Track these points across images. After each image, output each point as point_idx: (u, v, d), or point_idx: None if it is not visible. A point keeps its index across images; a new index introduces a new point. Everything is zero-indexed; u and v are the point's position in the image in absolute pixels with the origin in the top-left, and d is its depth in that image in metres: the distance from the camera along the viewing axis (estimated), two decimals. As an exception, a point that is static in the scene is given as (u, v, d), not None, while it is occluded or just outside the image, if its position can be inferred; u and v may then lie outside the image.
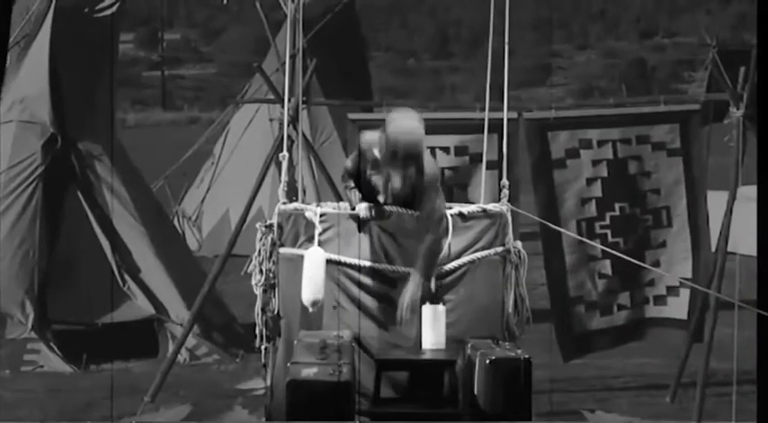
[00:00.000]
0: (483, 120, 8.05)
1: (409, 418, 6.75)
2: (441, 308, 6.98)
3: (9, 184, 13.34)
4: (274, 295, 7.18)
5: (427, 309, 6.96)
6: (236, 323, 13.67)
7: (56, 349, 12.76)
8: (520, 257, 7.32)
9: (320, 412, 6.16)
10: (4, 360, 12.61)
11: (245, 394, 11.54)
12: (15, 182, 13.35)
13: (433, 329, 6.94)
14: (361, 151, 7.15)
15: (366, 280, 7.11)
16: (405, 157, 6.93)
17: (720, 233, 10.76)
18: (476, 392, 6.60)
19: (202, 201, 21.20)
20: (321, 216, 7.12)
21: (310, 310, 6.94)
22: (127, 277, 13.43)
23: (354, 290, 7.12)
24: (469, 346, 6.83)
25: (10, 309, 12.89)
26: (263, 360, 7.31)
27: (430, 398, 6.92)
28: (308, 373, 6.25)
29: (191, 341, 12.68)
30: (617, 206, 10.64)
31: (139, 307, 13.33)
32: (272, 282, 7.17)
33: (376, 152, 7.06)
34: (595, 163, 10.63)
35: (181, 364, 12.47)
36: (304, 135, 11.91)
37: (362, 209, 7.10)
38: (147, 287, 13.40)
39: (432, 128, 7.94)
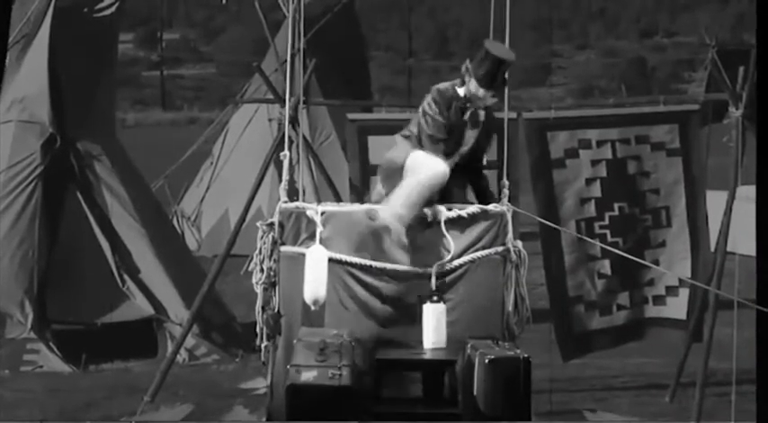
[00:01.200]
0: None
1: (409, 418, 6.75)
2: (441, 307, 6.98)
3: (8, 183, 13.33)
4: (275, 293, 7.18)
5: (428, 308, 6.96)
6: (235, 323, 13.67)
7: (55, 349, 12.75)
8: (520, 257, 7.32)
9: (320, 416, 6.16)
10: (4, 360, 12.60)
11: (244, 394, 11.54)
12: (14, 182, 13.34)
13: (434, 329, 6.94)
14: (444, 101, 7.24)
15: (368, 278, 7.10)
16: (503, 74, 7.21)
17: (720, 233, 10.75)
18: (475, 392, 6.60)
19: (202, 201, 21.19)
20: (322, 214, 7.12)
21: (312, 308, 6.94)
22: (126, 277, 13.43)
23: (356, 288, 7.12)
24: (469, 345, 6.83)
25: (9, 309, 12.88)
26: (263, 358, 7.31)
27: (430, 398, 6.92)
28: (308, 376, 6.25)
29: (190, 341, 12.67)
30: (616, 206, 10.64)
31: (139, 307, 13.32)
32: (273, 280, 7.17)
33: (463, 90, 7.19)
34: (595, 163, 10.63)
35: (180, 364, 12.47)
36: (303, 135, 11.91)
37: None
38: (147, 287, 13.39)
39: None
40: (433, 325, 6.95)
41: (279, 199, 7.29)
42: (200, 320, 12.46)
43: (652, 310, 10.84)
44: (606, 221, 10.60)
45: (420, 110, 7.29)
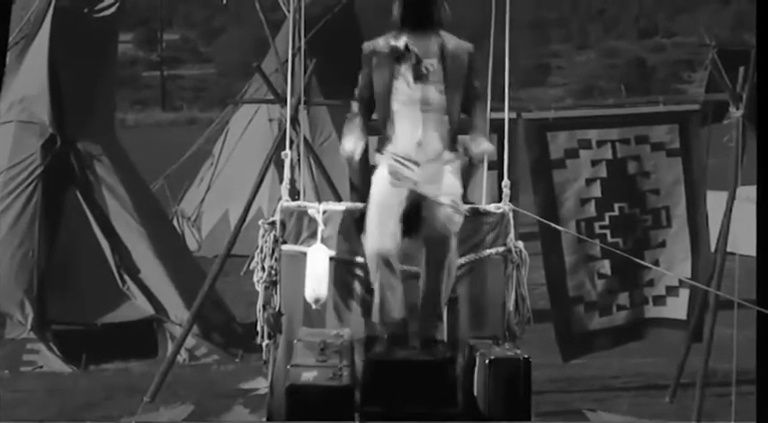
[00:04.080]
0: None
1: (409, 418, 6.74)
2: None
3: (8, 184, 13.34)
4: (276, 292, 7.18)
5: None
6: (235, 323, 13.68)
7: (55, 349, 12.76)
8: (521, 257, 7.32)
9: (320, 416, 6.16)
10: (4, 360, 12.61)
11: (244, 394, 11.54)
12: (15, 182, 13.35)
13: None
14: (369, 61, 6.75)
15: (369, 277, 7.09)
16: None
17: (720, 233, 10.76)
18: (475, 392, 6.61)
19: (202, 201, 21.20)
20: (324, 213, 7.12)
21: (313, 307, 6.94)
22: (126, 277, 13.43)
23: (357, 287, 7.12)
24: (469, 346, 6.83)
25: (9, 309, 12.89)
26: (264, 357, 7.31)
27: (430, 398, 6.92)
28: (308, 376, 6.25)
29: (190, 341, 12.68)
30: (616, 206, 10.65)
31: (139, 307, 13.33)
32: (274, 279, 7.17)
33: (386, 43, 6.64)
34: (595, 163, 10.64)
35: (180, 365, 12.47)
36: (304, 135, 11.92)
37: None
38: (147, 287, 13.40)
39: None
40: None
41: (280, 198, 7.29)
42: (200, 321, 12.46)
43: (652, 311, 10.84)
44: (606, 222, 10.61)
45: None
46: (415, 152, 6.72)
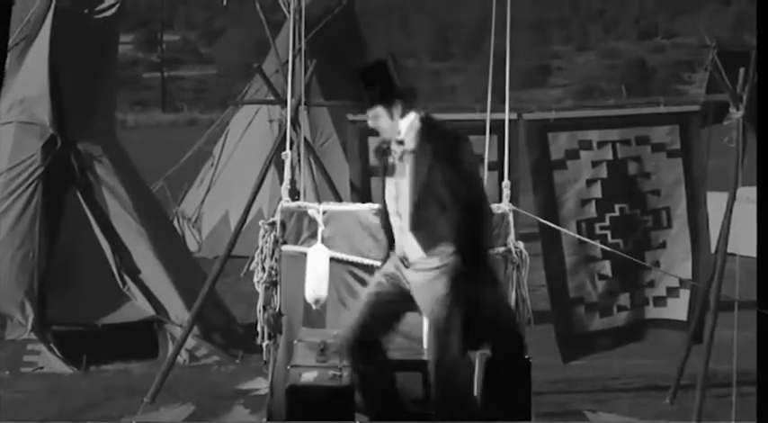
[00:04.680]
0: (483, 121, 8.06)
1: (408, 418, 6.75)
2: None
3: (9, 185, 13.34)
4: (276, 292, 7.20)
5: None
6: (235, 324, 13.67)
7: (56, 350, 12.75)
8: (521, 258, 7.32)
9: (320, 416, 6.17)
10: (4, 361, 12.60)
11: (244, 395, 11.54)
12: (15, 183, 13.34)
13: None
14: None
15: (369, 278, 7.10)
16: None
17: (720, 234, 10.75)
18: (475, 393, 6.61)
19: (202, 202, 21.20)
20: (324, 213, 7.13)
21: (314, 307, 6.96)
22: (127, 278, 13.43)
23: (357, 288, 7.13)
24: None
25: (10, 310, 12.88)
26: (264, 358, 7.33)
27: (429, 398, 6.93)
28: (308, 377, 6.26)
29: (190, 342, 12.67)
30: (617, 207, 10.64)
31: (139, 308, 13.32)
32: (275, 279, 7.19)
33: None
34: (595, 164, 10.63)
35: (180, 365, 12.46)
36: (304, 136, 11.92)
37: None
38: (147, 288, 13.39)
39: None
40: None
41: (280, 199, 7.31)
42: (200, 321, 12.46)
43: (653, 312, 10.84)
44: (607, 222, 10.60)
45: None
46: (400, 254, 6.28)
